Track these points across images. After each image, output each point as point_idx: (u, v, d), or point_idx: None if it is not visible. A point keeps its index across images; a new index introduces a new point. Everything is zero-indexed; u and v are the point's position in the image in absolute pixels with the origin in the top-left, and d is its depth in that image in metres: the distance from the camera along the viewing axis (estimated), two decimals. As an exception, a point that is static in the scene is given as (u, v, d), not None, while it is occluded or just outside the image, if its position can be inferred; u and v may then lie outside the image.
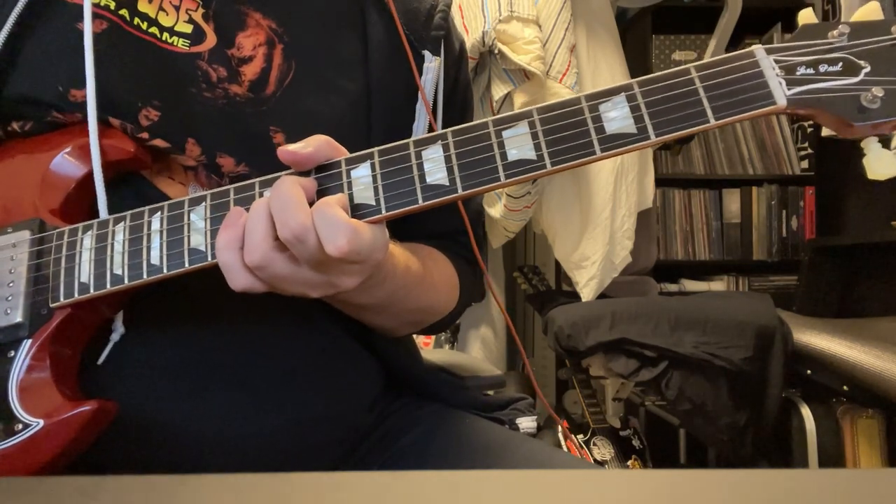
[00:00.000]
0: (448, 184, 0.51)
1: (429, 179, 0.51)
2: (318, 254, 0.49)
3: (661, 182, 2.56)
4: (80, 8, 0.58)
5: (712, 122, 0.48)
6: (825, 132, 1.82)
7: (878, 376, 1.44)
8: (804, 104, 0.49)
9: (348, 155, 0.54)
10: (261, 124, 0.62)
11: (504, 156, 0.50)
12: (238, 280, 0.51)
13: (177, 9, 0.63)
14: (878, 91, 0.48)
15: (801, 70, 0.49)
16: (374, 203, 0.51)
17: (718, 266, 2.72)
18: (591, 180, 1.94)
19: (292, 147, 0.52)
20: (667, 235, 2.70)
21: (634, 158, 1.99)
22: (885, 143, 0.51)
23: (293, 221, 0.48)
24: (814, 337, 1.60)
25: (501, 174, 0.50)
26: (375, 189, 0.51)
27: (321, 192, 0.52)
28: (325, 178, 0.52)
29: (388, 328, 0.70)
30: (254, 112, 0.63)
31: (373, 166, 0.52)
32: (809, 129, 2.69)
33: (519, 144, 0.50)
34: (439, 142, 0.52)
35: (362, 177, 0.52)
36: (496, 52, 1.73)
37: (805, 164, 2.73)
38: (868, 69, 0.48)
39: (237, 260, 0.50)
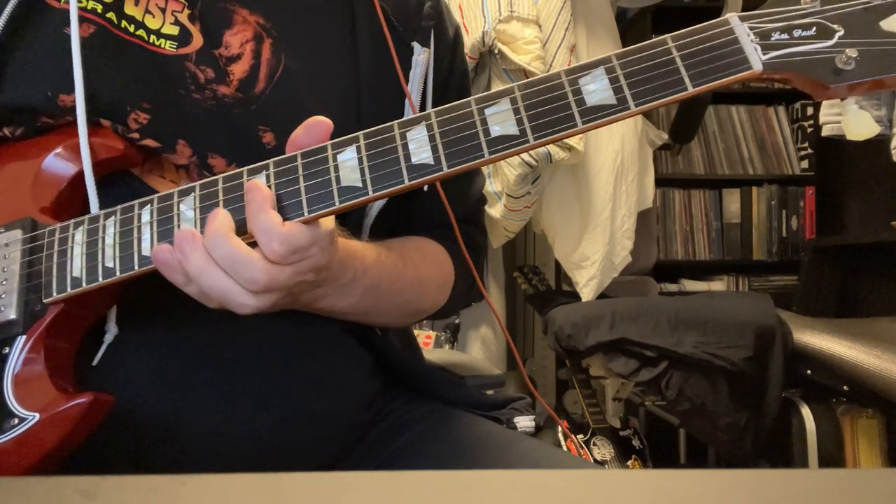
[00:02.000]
0: (433, 162, 0.51)
1: (414, 159, 0.52)
2: (289, 280, 0.51)
3: (661, 182, 2.56)
4: (68, 13, 0.58)
5: (690, 89, 0.49)
6: (825, 132, 1.83)
7: (878, 376, 1.44)
8: (780, 68, 0.50)
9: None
10: (249, 124, 0.62)
11: (487, 132, 0.51)
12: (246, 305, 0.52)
13: (163, 11, 0.63)
14: (852, 52, 0.49)
15: (776, 35, 0.50)
16: (360, 185, 0.52)
17: (718, 266, 2.72)
18: (591, 180, 1.94)
19: (319, 118, 0.53)
20: (667, 235, 2.70)
21: (634, 158, 1.99)
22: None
23: (257, 277, 0.50)
24: (814, 337, 1.60)
25: (485, 150, 0.51)
26: (362, 171, 0.52)
27: (308, 177, 0.53)
28: (312, 163, 0.53)
29: (380, 324, 0.70)
30: (242, 112, 0.63)
31: (358, 149, 0.53)
32: (809, 130, 2.69)
33: (501, 120, 0.51)
34: (423, 122, 0.52)
35: (348, 160, 0.52)
36: (496, 52, 1.73)
37: (805, 164, 2.73)
38: (841, 32, 0.49)
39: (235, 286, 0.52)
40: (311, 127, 0.53)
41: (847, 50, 0.49)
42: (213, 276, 0.50)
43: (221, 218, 0.51)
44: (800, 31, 0.50)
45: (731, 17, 0.51)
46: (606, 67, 0.51)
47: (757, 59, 0.49)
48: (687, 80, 0.49)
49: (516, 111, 0.51)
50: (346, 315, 0.64)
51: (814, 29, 0.50)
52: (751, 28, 0.50)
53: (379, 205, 0.68)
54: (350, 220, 0.67)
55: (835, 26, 0.49)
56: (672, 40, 0.50)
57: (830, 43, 0.49)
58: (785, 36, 0.50)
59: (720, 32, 0.50)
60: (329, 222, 0.53)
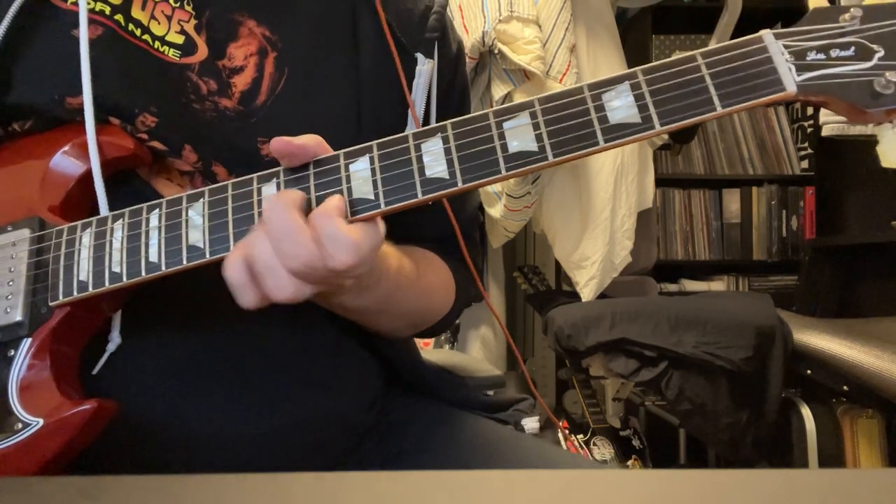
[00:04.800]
0: (448, 177, 0.50)
1: (428, 173, 0.50)
2: (327, 274, 0.49)
3: (661, 182, 2.56)
4: (75, 14, 0.58)
5: (719, 110, 0.47)
6: (825, 132, 1.82)
7: (878, 376, 1.44)
8: (815, 90, 0.47)
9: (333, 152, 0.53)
10: (249, 138, 0.62)
11: (505, 147, 0.49)
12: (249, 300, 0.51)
13: (168, 19, 0.63)
14: (892, 76, 0.46)
15: (812, 55, 0.47)
16: (372, 197, 0.51)
17: (718, 266, 2.72)
18: (591, 180, 1.94)
19: (287, 138, 0.51)
20: (667, 235, 2.70)
21: (634, 158, 1.99)
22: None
23: (301, 253, 0.48)
24: (814, 337, 1.60)
25: (502, 167, 0.49)
26: (374, 183, 0.51)
27: (319, 187, 0.52)
28: (324, 173, 0.52)
29: (386, 331, 0.70)
30: (242, 126, 0.62)
31: (372, 160, 0.51)
32: (809, 130, 2.69)
33: (520, 136, 0.49)
34: (439, 134, 0.51)
35: (361, 170, 0.51)
36: (496, 52, 1.73)
37: (805, 164, 2.73)
38: (882, 53, 0.47)
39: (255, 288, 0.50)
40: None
41: (887, 73, 0.46)
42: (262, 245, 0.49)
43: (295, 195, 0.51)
44: (838, 50, 0.47)
45: (766, 34, 0.48)
46: (632, 83, 0.48)
47: (791, 80, 0.47)
48: (716, 99, 0.47)
49: (536, 126, 0.49)
50: (353, 314, 0.64)
51: (852, 49, 0.47)
52: (786, 46, 0.47)
53: None
54: None
55: (874, 46, 0.47)
56: (702, 57, 0.48)
57: (869, 65, 0.47)
58: (822, 56, 0.47)
59: (753, 50, 0.48)
60: (382, 224, 0.52)
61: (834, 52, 0.47)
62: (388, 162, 0.51)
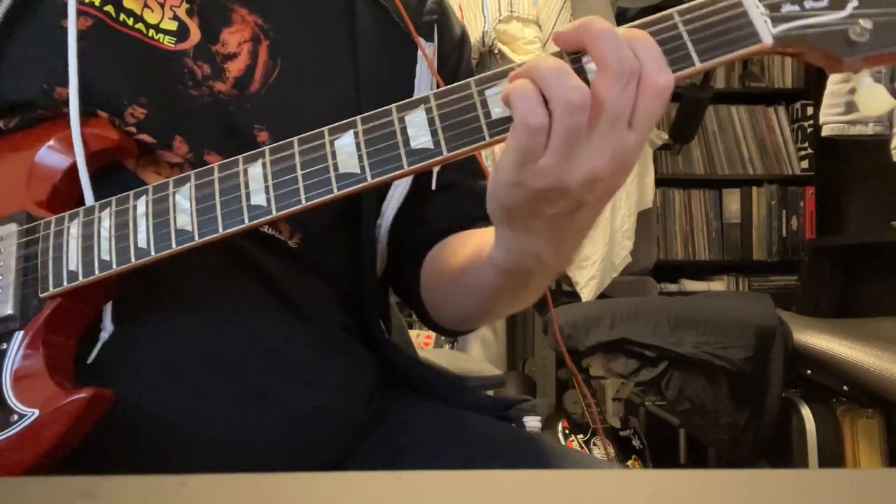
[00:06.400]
0: (433, 146, 0.50)
1: (413, 144, 0.51)
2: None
3: (661, 182, 2.56)
4: (65, 5, 0.58)
5: (698, 65, 0.48)
6: (825, 132, 1.82)
7: (878, 376, 1.44)
8: (791, 41, 0.48)
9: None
10: (245, 122, 0.62)
11: (488, 114, 0.50)
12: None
13: (161, 6, 0.63)
14: (866, 23, 0.47)
15: (787, 7, 0.48)
16: (358, 171, 0.51)
17: (718, 266, 2.72)
18: (591, 180, 1.94)
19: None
20: (667, 235, 2.70)
21: (634, 158, 1.99)
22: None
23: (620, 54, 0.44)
24: (814, 337, 1.60)
25: (486, 133, 0.50)
26: (360, 157, 0.51)
27: (305, 164, 0.52)
28: (309, 150, 0.52)
29: (505, 309, 0.67)
30: (238, 110, 0.63)
31: (356, 134, 0.52)
32: (809, 130, 2.69)
33: (503, 102, 0.50)
34: (422, 105, 0.51)
35: (346, 145, 0.52)
36: (496, 52, 1.73)
37: (805, 164, 2.73)
38: (855, 3, 0.47)
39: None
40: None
41: (861, 21, 0.47)
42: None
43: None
44: (811, 1, 0.48)
45: None
46: None
47: (767, 31, 0.48)
48: (694, 55, 0.48)
49: None
50: (550, 266, 0.57)
51: None
52: (761, 0, 0.48)
53: (395, 204, 0.69)
54: (365, 224, 0.67)
55: None
56: (678, 14, 0.49)
57: (844, 14, 0.47)
58: (796, 7, 0.48)
59: (729, 5, 0.48)
60: None
61: (808, 3, 0.48)
62: (373, 136, 0.52)
